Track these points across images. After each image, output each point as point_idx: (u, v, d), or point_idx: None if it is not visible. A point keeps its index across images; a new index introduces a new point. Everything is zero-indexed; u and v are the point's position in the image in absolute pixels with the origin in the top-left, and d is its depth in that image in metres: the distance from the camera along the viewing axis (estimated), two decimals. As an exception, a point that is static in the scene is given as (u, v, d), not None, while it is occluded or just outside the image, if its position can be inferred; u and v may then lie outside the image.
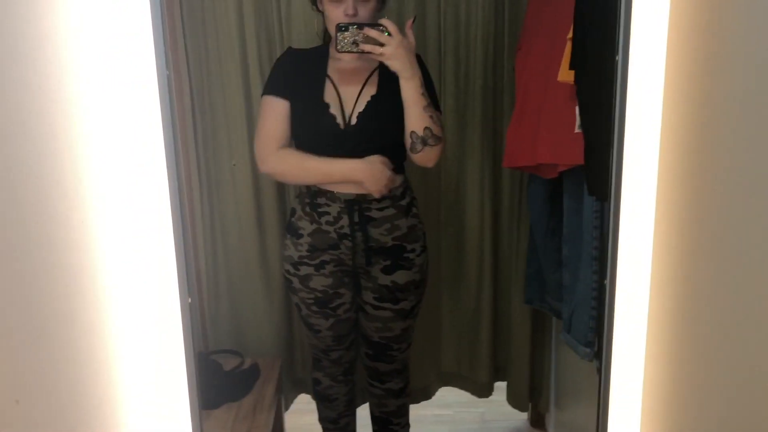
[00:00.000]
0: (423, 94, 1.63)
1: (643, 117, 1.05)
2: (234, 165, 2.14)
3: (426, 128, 1.65)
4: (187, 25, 2.04)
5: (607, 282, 1.12)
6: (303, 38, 2.06)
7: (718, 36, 0.94)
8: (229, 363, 2.06)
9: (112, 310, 1.05)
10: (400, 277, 1.80)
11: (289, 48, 1.83)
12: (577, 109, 1.52)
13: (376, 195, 1.70)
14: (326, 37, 1.78)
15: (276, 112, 1.72)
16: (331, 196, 1.73)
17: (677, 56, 1.04)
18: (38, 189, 0.87)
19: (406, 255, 1.80)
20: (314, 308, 1.84)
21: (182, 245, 1.02)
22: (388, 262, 1.79)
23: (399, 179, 1.77)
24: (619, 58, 1.02)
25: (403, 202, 1.78)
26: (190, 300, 1.03)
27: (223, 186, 2.17)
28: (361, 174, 1.67)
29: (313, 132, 1.71)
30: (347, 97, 1.71)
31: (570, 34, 1.49)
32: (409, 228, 1.79)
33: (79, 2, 0.98)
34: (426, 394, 2.45)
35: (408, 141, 1.67)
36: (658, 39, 1.03)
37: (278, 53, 2.08)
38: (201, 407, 1.13)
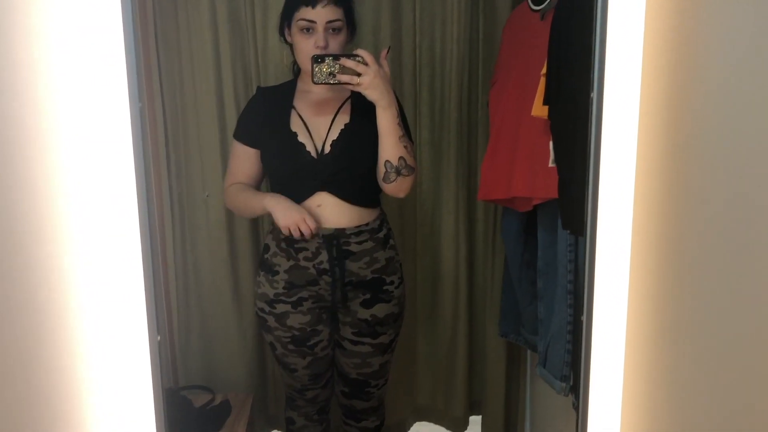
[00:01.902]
0: (399, 123, 1.63)
1: (618, 152, 1.06)
2: (207, 196, 2.12)
3: (400, 158, 1.65)
4: (162, 56, 2.03)
5: (583, 318, 1.11)
6: (279, 71, 2.07)
7: (692, 72, 0.96)
8: (200, 399, 2.01)
9: (81, 348, 1.02)
10: (380, 310, 1.78)
11: (259, 88, 1.85)
12: (551, 143, 1.53)
13: (283, 231, 1.67)
14: (296, 69, 1.78)
15: (240, 157, 1.77)
16: None
17: (652, 90, 1.05)
18: (5, 222, 0.84)
19: (385, 288, 1.78)
20: (291, 347, 1.80)
21: (152, 283, 1.00)
22: (367, 296, 1.77)
23: (375, 212, 1.76)
24: (594, 94, 1.03)
25: (381, 234, 1.77)
26: (159, 338, 1.01)
27: (195, 219, 2.14)
28: (273, 208, 1.66)
29: (284, 162, 1.70)
30: (318, 127, 1.71)
31: (544, 70, 1.51)
32: (387, 260, 1.78)
33: (54, 32, 0.96)
34: (401, 429, 2.42)
35: (381, 170, 1.67)
36: (633, 75, 1.05)
37: (254, 85, 2.08)
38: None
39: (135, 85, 0.97)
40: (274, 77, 2.06)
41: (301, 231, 1.65)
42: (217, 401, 1.99)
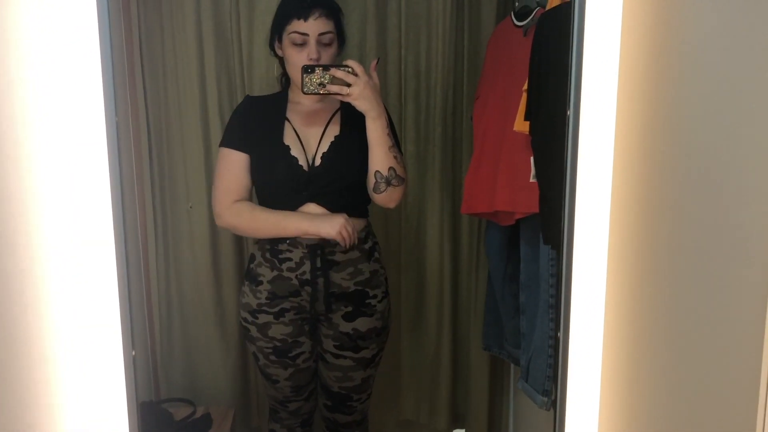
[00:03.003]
0: (389, 134, 1.64)
1: (594, 169, 1.07)
2: (191, 207, 2.11)
3: (390, 168, 1.65)
4: (146, 67, 2.03)
5: (560, 334, 1.12)
6: (264, 83, 2.07)
7: (668, 89, 0.97)
8: (181, 412, 1.99)
9: (55, 361, 1.01)
10: (362, 324, 1.78)
11: (247, 96, 1.83)
12: (532, 159, 1.54)
13: (345, 247, 1.66)
14: (285, 82, 1.79)
15: (233, 166, 1.71)
16: (292, 242, 1.71)
17: (628, 108, 1.06)
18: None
19: (368, 301, 1.78)
20: (273, 358, 1.80)
21: (126, 297, 0.99)
22: (349, 309, 1.76)
23: (362, 222, 1.76)
24: (570, 112, 1.04)
25: (366, 246, 1.77)
26: (134, 353, 1.00)
27: (178, 230, 2.13)
28: (311, 224, 1.66)
29: (276, 176, 1.69)
30: (309, 139, 1.70)
31: (525, 86, 1.52)
32: (371, 273, 1.78)
33: (30, 42, 0.96)
34: (384, 443, 2.41)
35: (372, 181, 1.67)
36: (609, 93, 1.06)
37: (239, 95, 2.08)
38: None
39: (111, 96, 0.97)
40: (259, 88, 2.07)
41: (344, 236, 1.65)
42: (198, 414, 1.97)
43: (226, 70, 2.08)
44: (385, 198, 1.69)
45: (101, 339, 1.00)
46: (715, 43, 0.84)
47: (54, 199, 1.00)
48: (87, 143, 0.99)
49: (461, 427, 2.43)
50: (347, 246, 1.67)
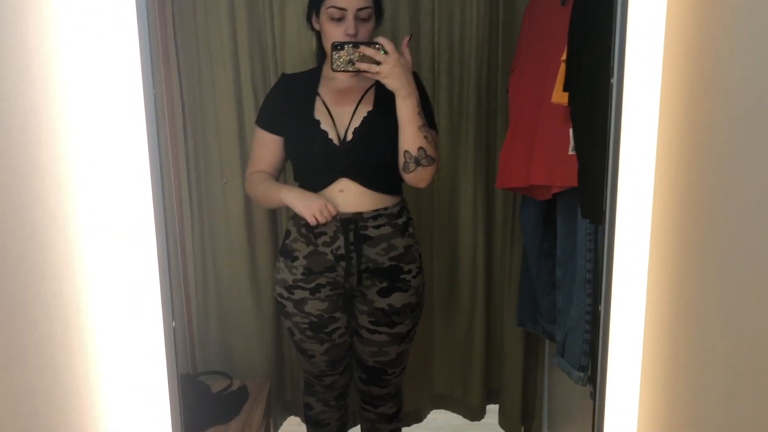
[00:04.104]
0: (419, 113, 1.61)
1: (639, 140, 1.04)
2: (225, 183, 2.12)
3: (420, 148, 1.63)
4: (180, 42, 2.03)
5: (601, 308, 1.10)
6: (297, 58, 2.06)
7: (713, 57, 0.94)
8: (218, 385, 2.02)
9: (95, 333, 1.03)
10: (397, 299, 1.78)
11: (283, 74, 1.83)
12: (570, 130, 1.51)
13: (309, 220, 1.67)
14: (321, 57, 1.77)
15: (263, 146, 1.77)
16: None
17: (673, 78, 1.03)
18: (21, 206, 0.85)
19: (402, 276, 1.77)
20: (308, 333, 1.81)
21: (166, 268, 1.00)
22: (384, 284, 1.76)
23: (396, 199, 1.76)
24: (614, 80, 1.01)
25: (400, 221, 1.76)
26: (174, 323, 1.01)
27: (214, 205, 2.15)
28: (291, 201, 1.68)
29: (306, 149, 1.70)
30: (341, 115, 1.70)
31: (564, 56, 1.48)
32: (405, 248, 1.77)
33: (68, 18, 0.96)
34: (417, 417, 2.42)
35: (401, 160, 1.66)
36: (654, 61, 1.02)
37: (272, 72, 2.08)
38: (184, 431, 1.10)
39: (149, 72, 0.97)
40: (291, 64, 2.06)
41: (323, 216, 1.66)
42: (235, 387, 2.00)
43: (258, 45, 2.07)
44: (415, 178, 1.68)
45: (142, 312, 1.01)
46: (769, 6, 0.81)
47: (95, 171, 1.01)
48: (125, 115, 0.99)
49: (495, 403, 2.42)
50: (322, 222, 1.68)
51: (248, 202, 2.14)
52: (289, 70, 2.04)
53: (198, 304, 2.19)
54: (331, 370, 1.88)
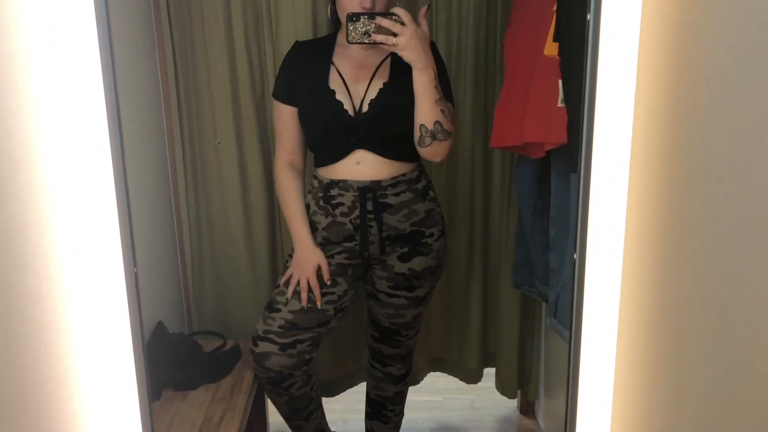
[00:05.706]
0: (436, 86, 1.57)
1: (616, 84, 0.99)
2: (219, 143, 2.10)
3: (436, 122, 1.59)
4: (171, 6, 1.99)
5: (576, 256, 1.06)
6: (290, 19, 2.01)
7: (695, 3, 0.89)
8: (211, 345, 2.03)
9: (57, 284, 1.01)
10: (418, 263, 1.76)
11: (296, 42, 1.79)
12: (560, 82, 1.47)
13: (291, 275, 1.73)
14: (335, 24, 1.73)
15: (282, 118, 1.74)
16: (343, 185, 1.68)
17: (653, 17, 0.98)
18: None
19: (424, 240, 1.75)
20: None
21: (126, 214, 0.98)
22: (405, 249, 1.74)
23: (413, 165, 1.73)
24: (591, 17, 0.96)
25: (419, 186, 1.73)
26: (136, 270, 0.99)
27: (207, 165, 2.13)
28: (296, 249, 1.74)
29: (321, 121, 1.67)
30: (356, 85, 1.66)
31: (555, 6, 1.43)
32: (426, 212, 1.75)
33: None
34: (414, 379, 2.41)
35: (416, 134, 1.62)
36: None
37: (265, 32, 2.03)
38: (150, 385, 1.09)
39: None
40: (285, 25, 2.01)
41: (299, 286, 1.72)
42: (228, 347, 2.00)
43: (252, 5, 2.02)
44: (430, 152, 1.64)
45: (104, 258, 0.99)
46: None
47: (59, 116, 0.99)
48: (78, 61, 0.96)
49: (492, 366, 2.41)
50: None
51: (242, 162, 2.11)
52: (283, 31, 2.00)
53: (193, 264, 2.19)
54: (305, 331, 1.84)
